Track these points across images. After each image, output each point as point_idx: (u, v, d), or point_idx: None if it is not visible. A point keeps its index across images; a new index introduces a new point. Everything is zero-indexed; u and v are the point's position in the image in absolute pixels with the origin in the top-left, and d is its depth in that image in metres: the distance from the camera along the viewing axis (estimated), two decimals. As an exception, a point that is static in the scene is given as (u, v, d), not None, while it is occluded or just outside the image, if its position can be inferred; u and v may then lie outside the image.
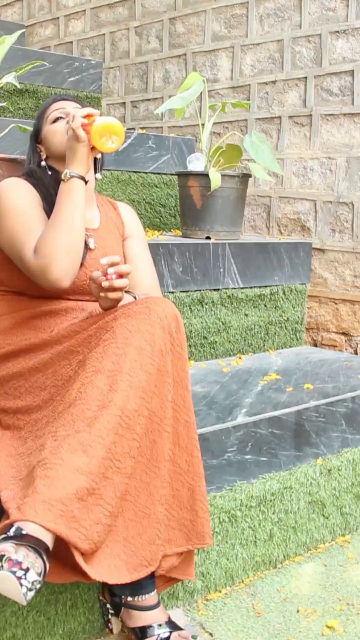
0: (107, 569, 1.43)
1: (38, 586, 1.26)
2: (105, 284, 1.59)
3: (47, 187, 1.79)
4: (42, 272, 1.61)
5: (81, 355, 1.61)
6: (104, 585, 1.64)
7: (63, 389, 1.60)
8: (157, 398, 1.52)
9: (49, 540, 1.32)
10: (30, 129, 1.94)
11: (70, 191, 1.67)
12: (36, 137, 1.91)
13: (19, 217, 1.70)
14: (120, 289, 1.62)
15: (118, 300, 1.64)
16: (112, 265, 1.60)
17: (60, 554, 1.40)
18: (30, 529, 1.30)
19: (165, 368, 1.54)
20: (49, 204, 1.74)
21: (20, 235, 1.68)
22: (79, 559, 1.36)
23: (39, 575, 1.26)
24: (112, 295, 1.62)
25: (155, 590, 1.60)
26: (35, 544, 1.29)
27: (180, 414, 1.58)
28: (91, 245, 1.81)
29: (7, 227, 1.70)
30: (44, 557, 1.29)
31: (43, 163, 1.86)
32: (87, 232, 1.82)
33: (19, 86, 2.28)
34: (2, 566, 1.23)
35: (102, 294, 1.63)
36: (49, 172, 1.84)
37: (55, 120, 1.85)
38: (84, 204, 1.69)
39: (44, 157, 1.87)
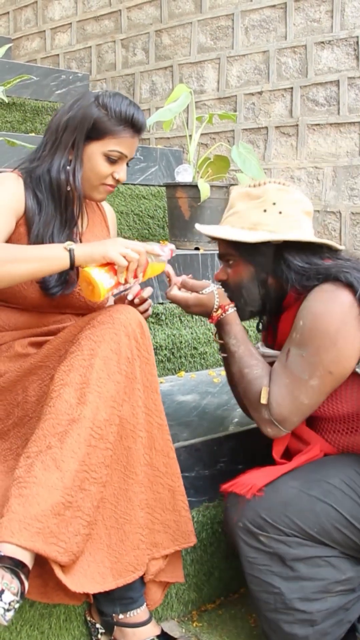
0: (89, 579, 1.43)
1: (17, 605, 1.27)
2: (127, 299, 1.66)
3: (58, 208, 1.68)
4: None
5: (52, 369, 1.61)
6: (91, 604, 1.64)
7: (37, 405, 1.60)
8: (128, 405, 1.53)
9: (27, 558, 1.32)
10: (19, 143, 1.78)
11: (59, 257, 1.52)
12: (88, 133, 1.69)
13: None
14: (138, 304, 1.67)
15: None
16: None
17: (47, 570, 1.40)
18: (7, 549, 1.31)
19: (134, 374, 1.54)
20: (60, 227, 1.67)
21: None
22: (58, 572, 1.37)
23: (16, 595, 1.27)
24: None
25: (146, 604, 1.60)
26: (12, 565, 1.29)
27: (153, 418, 1.58)
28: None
29: None
30: (22, 577, 1.29)
31: (69, 168, 1.68)
32: (73, 238, 1.75)
33: (6, 100, 2.28)
34: None
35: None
36: (67, 188, 1.69)
37: (114, 162, 1.75)
38: None
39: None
